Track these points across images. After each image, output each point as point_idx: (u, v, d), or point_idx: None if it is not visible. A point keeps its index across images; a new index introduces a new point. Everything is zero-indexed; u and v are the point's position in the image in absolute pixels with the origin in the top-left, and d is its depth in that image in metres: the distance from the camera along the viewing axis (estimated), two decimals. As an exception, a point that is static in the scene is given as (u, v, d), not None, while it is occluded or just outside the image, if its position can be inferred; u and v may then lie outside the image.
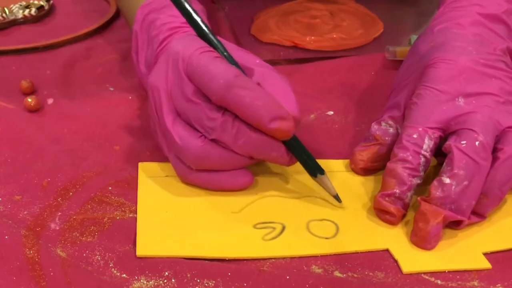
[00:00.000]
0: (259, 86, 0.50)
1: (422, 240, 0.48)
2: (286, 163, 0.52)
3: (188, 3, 0.53)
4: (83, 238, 0.49)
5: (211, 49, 0.52)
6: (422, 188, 0.52)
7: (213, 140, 0.51)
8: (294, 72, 0.70)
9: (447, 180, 0.49)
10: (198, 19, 0.53)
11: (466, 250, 0.49)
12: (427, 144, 0.51)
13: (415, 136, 0.51)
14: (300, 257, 0.48)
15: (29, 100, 0.63)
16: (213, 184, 0.53)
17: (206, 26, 0.53)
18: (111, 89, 0.68)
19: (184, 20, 0.57)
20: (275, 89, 0.50)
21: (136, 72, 0.62)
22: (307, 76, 0.69)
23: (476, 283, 0.46)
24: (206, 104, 0.50)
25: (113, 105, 0.64)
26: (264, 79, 0.51)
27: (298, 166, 0.56)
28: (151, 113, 0.54)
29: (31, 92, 0.66)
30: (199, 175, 0.52)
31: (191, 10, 0.53)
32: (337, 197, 0.52)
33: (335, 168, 0.56)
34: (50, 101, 0.65)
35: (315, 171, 0.52)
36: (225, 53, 0.52)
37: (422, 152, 0.51)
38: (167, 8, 0.60)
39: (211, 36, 0.52)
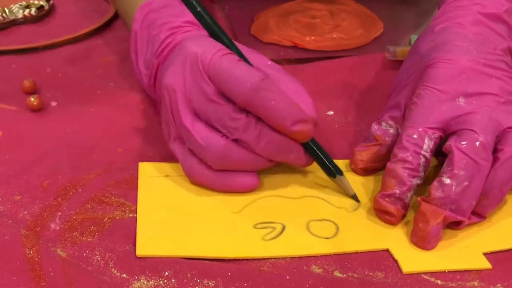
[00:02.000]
0: (281, 89, 0.51)
1: (422, 240, 0.48)
2: (304, 164, 0.53)
3: (199, 4, 0.53)
4: (83, 238, 0.49)
5: (230, 51, 0.52)
6: (422, 188, 0.52)
7: (234, 141, 0.51)
8: (294, 72, 0.69)
9: (447, 181, 0.48)
10: (211, 21, 0.53)
11: (466, 250, 0.49)
12: (427, 144, 0.51)
13: (415, 136, 0.51)
14: (300, 257, 0.48)
15: (32, 99, 0.63)
16: (220, 185, 0.53)
17: (219, 28, 0.53)
18: (112, 84, 0.68)
19: (185, 19, 0.57)
20: (291, 91, 0.51)
21: (135, 72, 0.62)
22: (307, 76, 0.69)
23: (476, 283, 0.46)
24: (229, 105, 0.51)
25: (114, 105, 0.64)
26: (279, 81, 0.52)
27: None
28: (165, 113, 0.54)
29: (33, 91, 0.66)
30: (207, 175, 0.52)
31: (203, 12, 0.53)
32: (355, 197, 0.53)
33: (335, 168, 0.56)
34: (53, 103, 0.65)
35: (334, 171, 0.53)
36: (241, 56, 0.53)
37: (422, 152, 0.51)
38: (167, 8, 0.60)
39: (224, 38, 0.53)
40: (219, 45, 0.52)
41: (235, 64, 0.51)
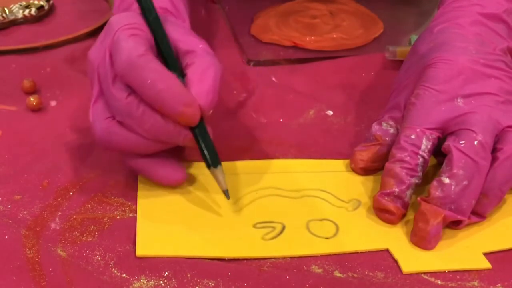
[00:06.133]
0: (166, 70, 0.47)
1: (422, 240, 0.48)
2: (193, 146, 0.50)
3: None
4: (83, 238, 0.49)
5: (137, 26, 0.49)
6: (422, 188, 0.52)
7: (120, 123, 0.49)
8: (294, 72, 0.70)
9: (447, 180, 0.49)
10: None
11: (466, 250, 0.49)
12: (425, 145, 0.51)
13: (413, 137, 0.51)
14: (300, 257, 0.48)
15: (32, 99, 0.63)
16: (147, 175, 0.52)
17: (149, 4, 0.50)
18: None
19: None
20: (197, 73, 0.49)
21: None
22: (307, 76, 0.69)
23: (476, 283, 0.46)
24: (114, 84, 0.48)
25: (113, 105, 0.64)
26: (193, 61, 0.49)
27: (298, 166, 0.56)
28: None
29: (33, 91, 0.66)
30: (135, 162, 0.51)
31: None
32: (226, 193, 0.50)
33: (335, 168, 0.56)
34: (53, 103, 0.65)
35: (209, 162, 0.50)
36: (159, 34, 0.50)
37: (420, 152, 0.51)
38: None
39: (148, 12, 0.50)
40: (132, 20, 0.49)
41: (125, 38, 0.48)
